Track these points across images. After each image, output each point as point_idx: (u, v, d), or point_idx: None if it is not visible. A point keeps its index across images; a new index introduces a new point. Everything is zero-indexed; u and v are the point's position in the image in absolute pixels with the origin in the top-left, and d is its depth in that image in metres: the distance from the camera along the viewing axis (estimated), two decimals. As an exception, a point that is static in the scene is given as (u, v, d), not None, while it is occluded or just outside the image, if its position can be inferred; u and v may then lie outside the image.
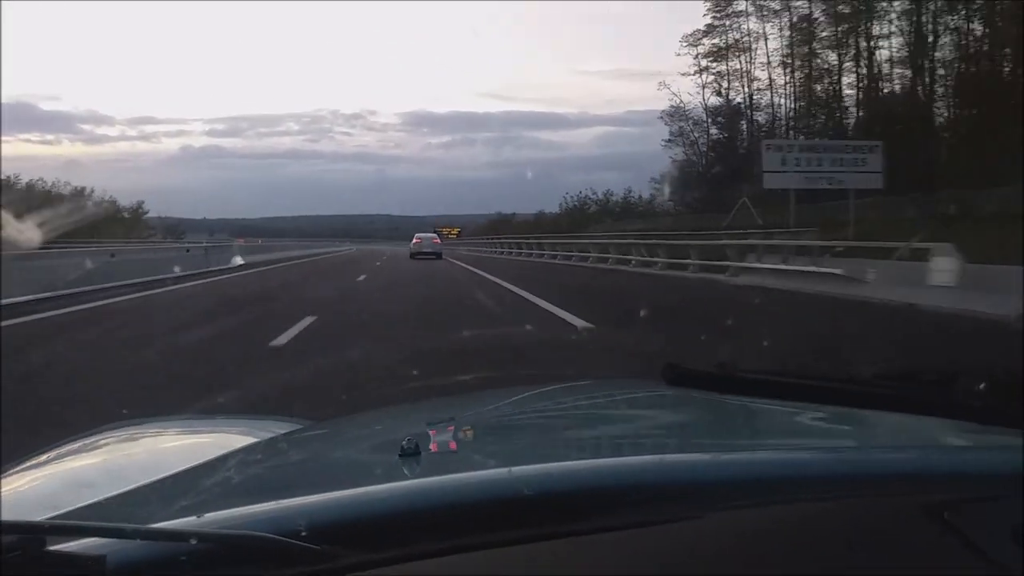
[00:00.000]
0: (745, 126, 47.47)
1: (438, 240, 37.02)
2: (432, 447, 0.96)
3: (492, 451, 0.99)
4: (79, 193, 50.51)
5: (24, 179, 55.98)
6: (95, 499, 0.86)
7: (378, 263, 27.85)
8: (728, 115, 47.17)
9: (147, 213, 59.87)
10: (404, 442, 0.84)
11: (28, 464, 1.24)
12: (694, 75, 47.90)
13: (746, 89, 47.06)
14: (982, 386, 0.71)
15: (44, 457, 1.28)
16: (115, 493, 0.88)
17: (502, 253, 39.59)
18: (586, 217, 53.47)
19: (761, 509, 0.70)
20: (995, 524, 0.68)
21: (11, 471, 1.20)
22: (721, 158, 44.50)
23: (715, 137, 48.56)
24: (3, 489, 1.08)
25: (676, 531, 0.66)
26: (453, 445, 1.08)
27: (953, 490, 0.72)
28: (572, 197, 58.23)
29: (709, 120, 48.61)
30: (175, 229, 63.43)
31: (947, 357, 5.38)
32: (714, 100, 48.26)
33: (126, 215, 57.54)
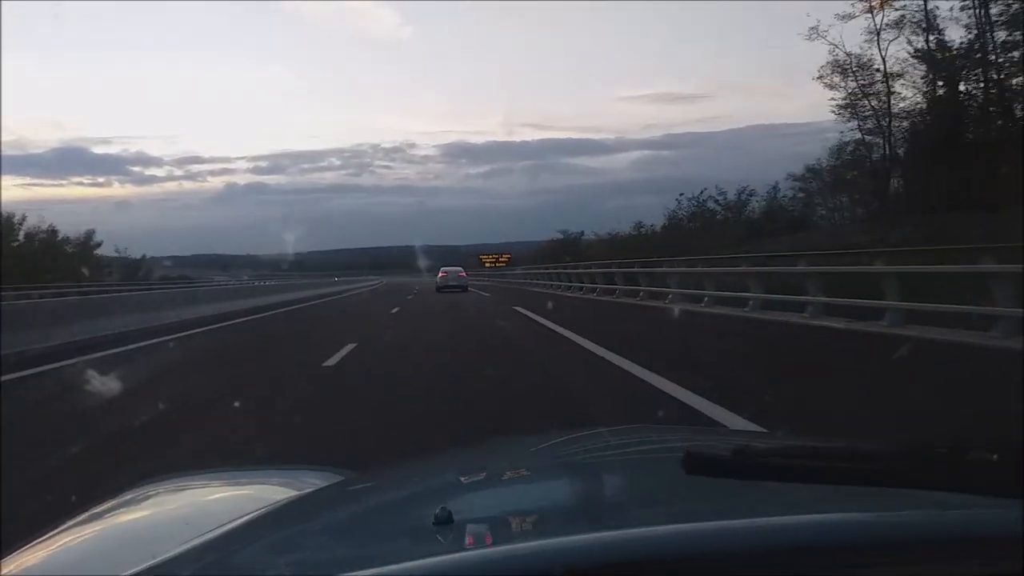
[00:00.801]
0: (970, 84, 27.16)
1: (464, 274, 37.95)
2: (464, 513, 0.94)
3: (523, 519, 0.99)
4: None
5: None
6: (119, 573, 0.87)
7: (394, 310, 20.56)
8: (944, 63, 27.54)
9: (99, 245, 50.11)
10: (437, 510, 0.87)
11: (67, 525, 1.25)
12: (863, 14, 29.87)
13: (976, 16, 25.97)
14: (995, 456, 0.70)
15: (83, 517, 1.30)
16: (143, 567, 0.89)
17: (578, 289, 25.89)
18: (703, 231, 34.49)
19: None
20: None
21: (50, 534, 1.21)
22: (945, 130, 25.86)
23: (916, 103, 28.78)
24: (42, 554, 1.10)
25: None
26: (484, 511, 1.08)
27: (966, 563, 0.73)
28: (689, 200, 39.22)
29: (889, 81, 29.77)
30: (136, 266, 54.19)
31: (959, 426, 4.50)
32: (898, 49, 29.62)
33: (69, 249, 46.66)
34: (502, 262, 66.44)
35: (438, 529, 0.85)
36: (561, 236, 53.69)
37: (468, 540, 0.84)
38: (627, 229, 44.11)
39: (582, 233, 52.47)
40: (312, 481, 1.49)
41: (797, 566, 0.71)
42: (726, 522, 0.85)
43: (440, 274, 37.21)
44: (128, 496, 1.47)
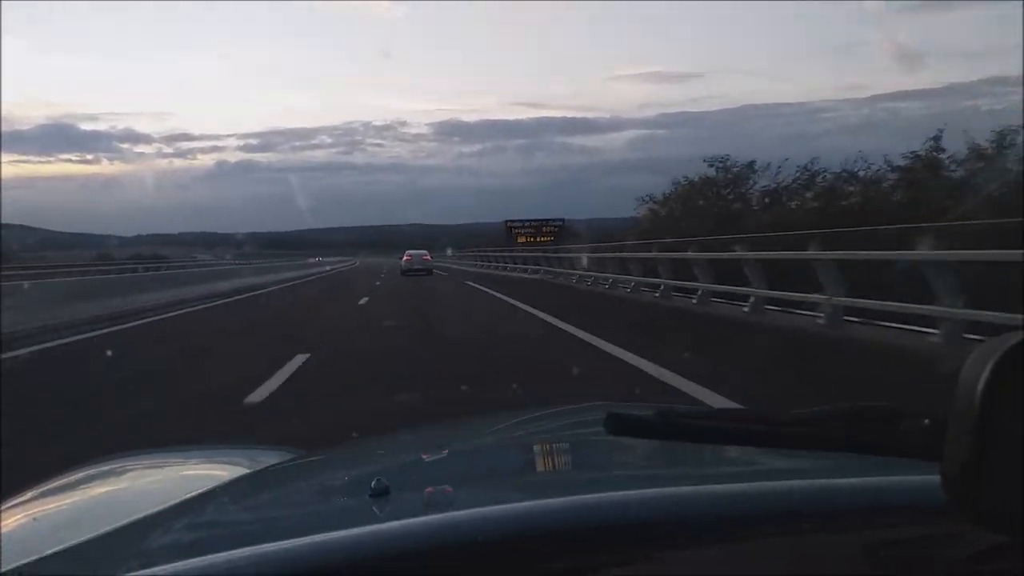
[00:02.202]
0: None
1: (428, 257, 37.87)
2: (401, 486, 0.97)
3: (458, 491, 0.98)
4: None
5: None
6: (68, 543, 0.88)
7: (362, 301, 17.32)
8: None
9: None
10: (373, 482, 0.89)
11: (11, 503, 1.26)
12: None
13: None
14: (926, 422, 0.71)
15: (28, 495, 1.31)
16: (88, 537, 0.90)
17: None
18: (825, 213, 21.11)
19: (700, 548, 0.72)
20: (931, 564, 0.70)
21: (3, 506, 1.22)
22: None
23: None
24: None
25: (624, 572, 0.69)
26: (421, 484, 1.06)
27: (893, 528, 0.75)
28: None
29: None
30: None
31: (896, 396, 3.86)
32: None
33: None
34: (547, 235, 42.56)
35: (374, 501, 0.88)
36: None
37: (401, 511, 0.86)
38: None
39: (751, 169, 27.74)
40: (264, 459, 1.49)
41: (720, 532, 0.73)
42: (644, 491, 0.89)
43: (404, 257, 36.83)
44: (78, 474, 1.47)
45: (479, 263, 41.14)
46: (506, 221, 45.97)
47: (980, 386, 0.56)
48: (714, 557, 0.71)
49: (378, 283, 27.15)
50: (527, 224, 45.65)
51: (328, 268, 47.84)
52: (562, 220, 45.61)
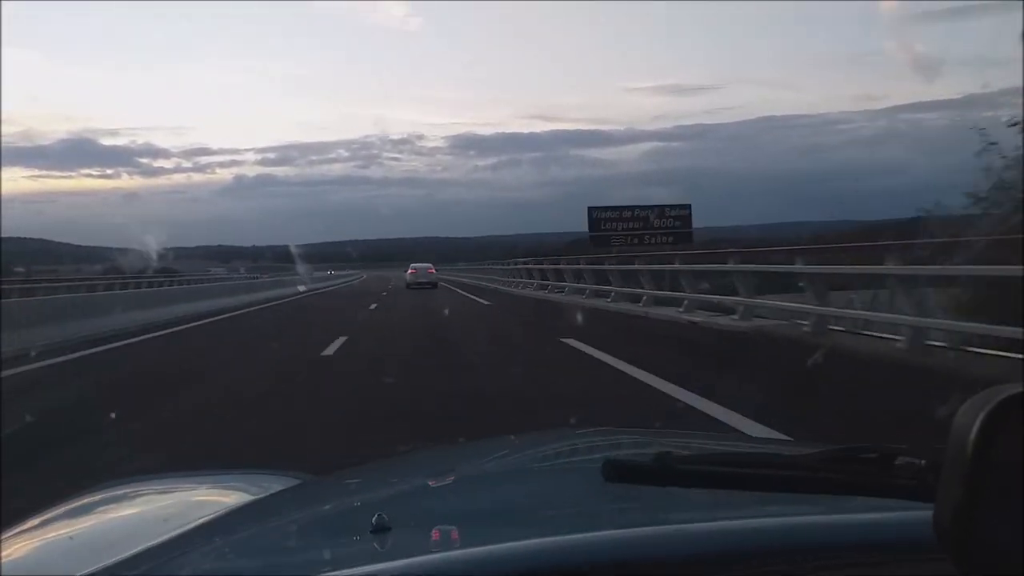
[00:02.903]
0: None
1: (433, 270, 37.34)
2: (402, 521, 0.98)
3: (459, 527, 1.00)
4: None
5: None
6: (74, 573, 0.89)
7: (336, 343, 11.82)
8: None
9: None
10: (374, 518, 0.90)
11: (14, 531, 1.27)
12: None
13: None
14: (922, 463, 0.72)
15: (31, 522, 1.32)
16: (89, 571, 0.91)
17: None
18: None
19: None
20: None
21: (3, 535, 1.23)
22: None
23: None
24: None
25: None
26: (423, 519, 1.10)
27: (888, 567, 0.75)
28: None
29: None
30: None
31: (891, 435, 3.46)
32: None
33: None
34: (664, 234, 23.26)
35: (375, 537, 0.89)
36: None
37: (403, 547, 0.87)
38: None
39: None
40: (268, 485, 1.50)
41: (716, 571, 0.73)
42: (646, 529, 0.89)
43: (409, 271, 36.95)
44: (82, 500, 1.48)
45: (508, 279, 31.97)
46: (591, 210, 23.41)
47: (973, 436, 0.57)
48: None
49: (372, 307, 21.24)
50: (631, 214, 23.39)
51: (318, 287, 43.53)
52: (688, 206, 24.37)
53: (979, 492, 0.57)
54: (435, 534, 0.91)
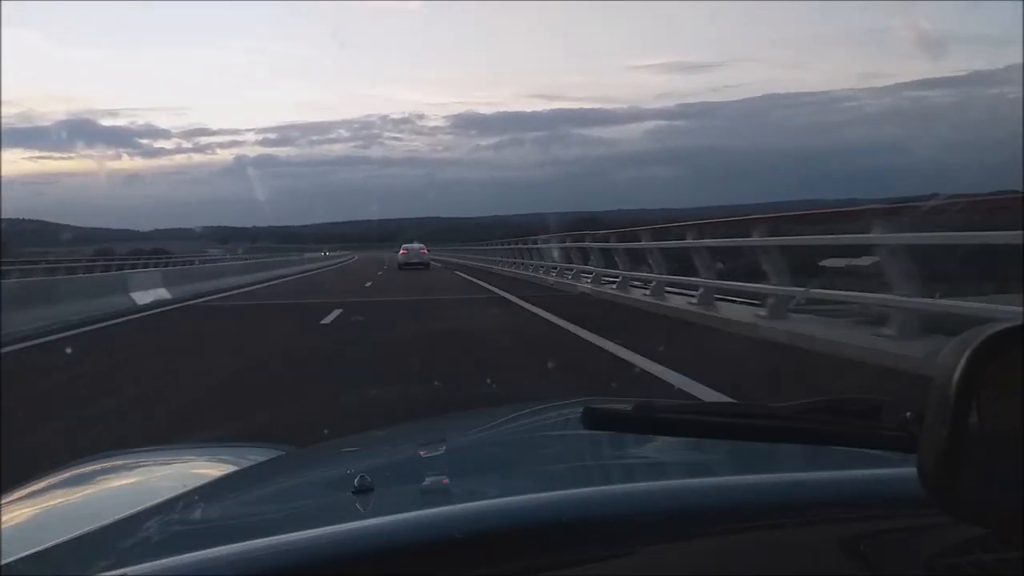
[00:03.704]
0: None
1: (425, 251, 38.36)
2: (385, 483, 0.99)
3: (440, 487, 1.04)
4: None
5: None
6: (52, 542, 0.89)
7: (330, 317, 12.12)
8: None
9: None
10: (356, 480, 0.90)
11: (2, 502, 1.26)
12: None
13: None
14: (907, 415, 0.71)
15: (10, 496, 1.31)
16: (71, 536, 0.91)
17: None
18: None
19: (683, 542, 0.72)
20: (909, 557, 0.71)
21: None
22: None
23: None
24: None
25: (605, 569, 0.69)
26: (405, 481, 1.12)
27: (872, 521, 0.75)
28: None
29: None
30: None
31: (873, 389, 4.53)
32: None
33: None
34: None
35: (357, 498, 0.88)
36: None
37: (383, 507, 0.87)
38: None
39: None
40: (252, 457, 1.49)
41: (699, 527, 0.73)
42: (628, 485, 0.90)
43: (401, 251, 37.82)
44: (65, 473, 1.47)
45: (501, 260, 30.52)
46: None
47: (956, 377, 0.56)
48: (695, 551, 0.72)
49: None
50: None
51: (308, 268, 41.84)
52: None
53: (964, 434, 0.56)
54: (417, 491, 0.94)
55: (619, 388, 5.65)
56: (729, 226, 11.46)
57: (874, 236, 6.85)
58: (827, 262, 10.78)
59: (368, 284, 22.83)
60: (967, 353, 0.55)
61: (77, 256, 35.97)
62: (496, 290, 17.62)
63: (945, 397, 0.56)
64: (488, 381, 5.83)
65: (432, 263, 38.12)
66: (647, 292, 12.50)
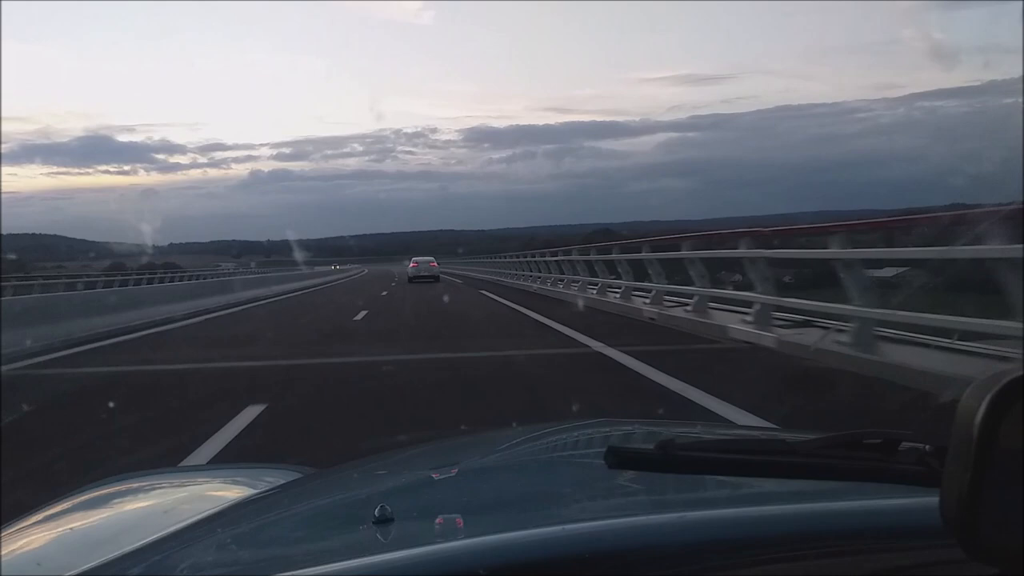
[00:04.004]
0: None
1: (435, 264, 37.93)
2: (405, 513, 0.98)
3: (463, 517, 1.00)
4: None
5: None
6: (74, 571, 0.88)
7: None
8: None
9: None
10: (377, 510, 0.90)
11: (19, 525, 1.27)
12: None
13: None
14: (926, 448, 0.71)
15: (31, 519, 1.32)
16: (92, 565, 0.91)
17: None
18: None
19: (707, 573, 0.72)
20: None
21: (4, 532, 1.23)
22: None
23: None
24: None
25: None
26: (426, 509, 1.10)
27: (893, 552, 0.75)
28: None
29: None
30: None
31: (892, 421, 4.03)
32: None
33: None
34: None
35: (378, 528, 0.89)
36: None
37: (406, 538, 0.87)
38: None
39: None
40: (268, 479, 1.50)
41: (718, 559, 0.73)
42: (649, 517, 0.89)
43: (411, 264, 37.71)
44: (83, 496, 1.46)
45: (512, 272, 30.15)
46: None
47: (978, 419, 0.56)
48: None
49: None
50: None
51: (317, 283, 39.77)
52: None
53: (985, 476, 0.56)
54: (439, 523, 0.93)
55: (639, 409, 5.34)
56: (785, 236, 9.58)
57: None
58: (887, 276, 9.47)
59: (359, 316, 14.81)
60: (989, 396, 0.56)
61: (84, 271, 35.52)
62: (571, 332, 10.47)
63: (967, 439, 0.56)
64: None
65: (450, 279, 36.35)
66: (749, 319, 8.90)
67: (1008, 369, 0.57)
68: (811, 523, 0.80)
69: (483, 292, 23.69)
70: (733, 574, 0.72)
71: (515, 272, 28.91)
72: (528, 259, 25.96)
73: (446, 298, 21.05)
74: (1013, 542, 0.56)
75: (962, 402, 0.57)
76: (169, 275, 30.60)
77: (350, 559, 0.75)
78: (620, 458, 0.77)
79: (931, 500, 0.62)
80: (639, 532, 0.79)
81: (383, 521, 0.88)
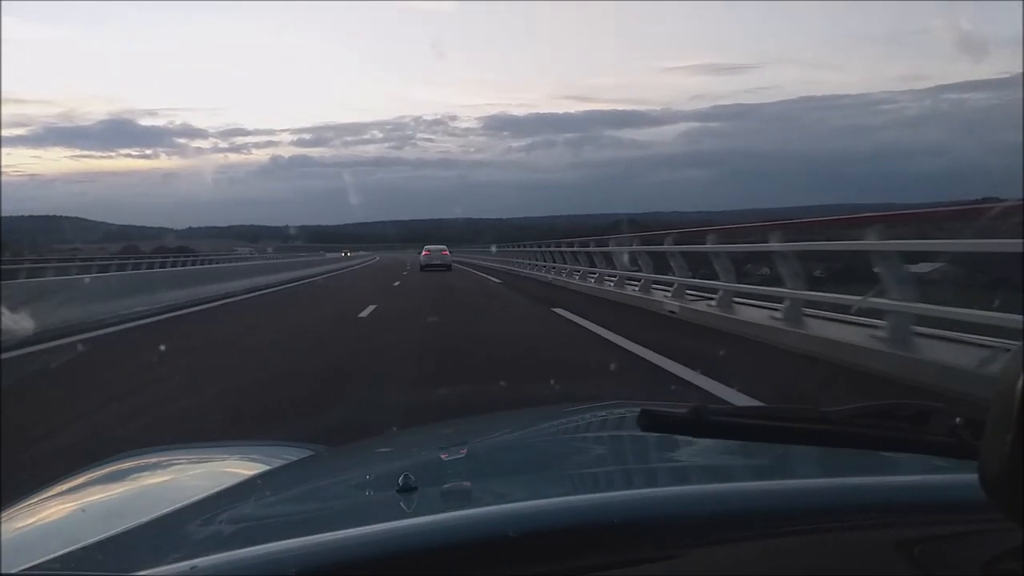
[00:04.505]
0: None
1: (447, 252, 37.39)
2: (428, 482, 0.98)
3: (485, 487, 1.01)
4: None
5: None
6: (85, 542, 0.88)
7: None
8: None
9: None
10: (400, 479, 0.89)
11: (36, 499, 1.27)
12: None
13: None
14: (958, 421, 0.71)
15: (49, 492, 1.31)
16: (109, 534, 0.90)
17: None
18: None
19: (736, 544, 0.72)
20: (964, 561, 0.71)
21: (21, 504, 1.23)
22: None
23: None
24: (6, 528, 1.12)
25: (656, 570, 0.69)
26: (448, 480, 1.07)
27: (925, 525, 0.75)
28: None
29: None
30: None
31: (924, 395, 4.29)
32: None
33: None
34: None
35: (402, 497, 0.88)
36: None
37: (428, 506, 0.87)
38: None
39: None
40: (286, 456, 1.49)
41: (749, 530, 0.73)
42: (677, 488, 0.90)
43: (423, 252, 37.37)
44: (100, 470, 1.47)
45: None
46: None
47: (1020, 384, 0.55)
48: (745, 554, 0.71)
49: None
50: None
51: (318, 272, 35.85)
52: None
53: None
54: (463, 490, 0.91)
55: (649, 392, 5.45)
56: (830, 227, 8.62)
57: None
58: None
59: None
60: None
61: (98, 254, 35.38)
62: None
63: (1009, 404, 0.56)
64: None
65: (475, 273, 32.62)
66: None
67: None
68: (843, 495, 0.80)
69: (523, 292, 17.64)
70: (764, 544, 0.72)
71: (554, 265, 22.11)
72: (568, 250, 20.34)
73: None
74: None
75: (1004, 367, 0.56)
76: (172, 260, 29.88)
77: (375, 523, 0.75)
78: (653, 420, 0.78)
79: (959, 476, 0.64)
80: (667, 502, 0.80)
81: (406, 490, 0.87)
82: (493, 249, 42.10)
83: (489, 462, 1.23)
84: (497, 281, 22.45)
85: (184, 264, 27.55)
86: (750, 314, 9.02)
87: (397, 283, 22.38)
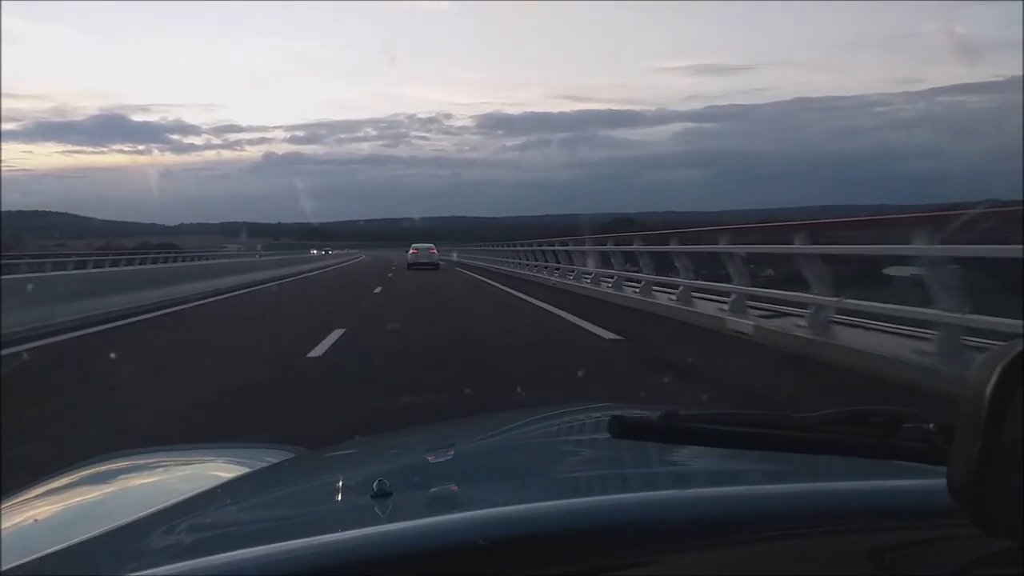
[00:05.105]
0: None
1: (434, 251, 37.43)
2: (403, 487, 0.99)
3: (461, 493, 1.00)
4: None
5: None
6: (68, 543, 0.88)
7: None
8: None
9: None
10: (375, 484, 0.90)
11: (11, 502, 1.27)
12: None
13: None
14: (931, 427, 0.72)
15: (29, 493, 1.31)
16: (88, 537, 0.91)
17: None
18: None
19: (709, 550, 0.72)
20: (935, 567, 0.71)
21: (3, 505, 1.23)
22: None
23: None
24: None
25: None
26: (424, 485, 1.08)
27: (897, 531, 0.75)
28: None
29: None
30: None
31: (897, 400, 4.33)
32: None
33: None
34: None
35: (376, 502, 0.88)
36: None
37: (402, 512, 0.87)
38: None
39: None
40: (266, 459, 1.49)
41: (723, 536, 0.73)
42: (650, 493, 0.90)
43: (411, 251, 37.16)
44: (81, 472, 1.47)
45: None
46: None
47: (988, 391, 0.56)
48: (719, 560, 0.72)
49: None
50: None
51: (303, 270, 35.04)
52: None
53: (995, 448, 0.56)
54: (436, 496, 0.92)
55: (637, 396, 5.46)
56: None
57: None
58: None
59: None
60: (999, 368, 0.56)
61: (92, 249, 34.60)
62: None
63: (977, 411, 0.56)
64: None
65: (465, 272, 31.34)
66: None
67: (1017, 342, 0.57)
68: (816, 501, 0.80)
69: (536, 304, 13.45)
70: (738, 551, 0.72)
71: (545, 264, 21.09)
72: (561, 249, 19.26)
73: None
74: (1021, 513, 0.56)
75: (973, 374, 0.56)
76: (140, 258, 28.87)
77: (349, 529, 0.76)
78: (624, 427, 0.78)
79: (931, 482, 0.63)
80: (641, 507, 0.80)
81: (381, 495, 0.87)
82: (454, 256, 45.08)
83: (465, 468, 1.23)
84: (525, 298, 14.38)
85: (155, 262, 26.41)
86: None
87: (378, 289, 18.60)
